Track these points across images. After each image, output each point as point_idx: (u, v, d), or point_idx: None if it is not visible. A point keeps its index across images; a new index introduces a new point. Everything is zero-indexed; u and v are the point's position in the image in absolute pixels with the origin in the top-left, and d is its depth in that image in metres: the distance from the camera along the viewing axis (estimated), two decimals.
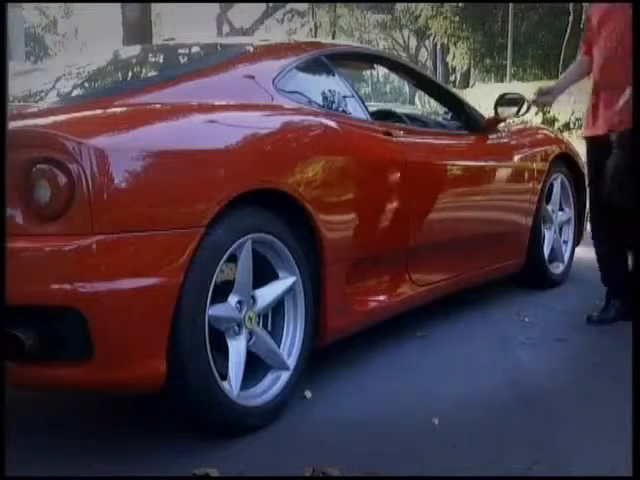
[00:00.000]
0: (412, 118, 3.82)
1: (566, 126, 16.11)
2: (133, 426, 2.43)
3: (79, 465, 2.15)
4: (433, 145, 3.52)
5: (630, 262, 3.51)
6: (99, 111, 2.29)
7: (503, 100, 3.81)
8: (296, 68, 2.95)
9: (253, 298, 2.38)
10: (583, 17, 22.40)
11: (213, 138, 2.36)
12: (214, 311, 2.22)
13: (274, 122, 2.63)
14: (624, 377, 2.32)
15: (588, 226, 4.53)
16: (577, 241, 4.43)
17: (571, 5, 22.03)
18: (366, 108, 3.20)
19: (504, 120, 3.90)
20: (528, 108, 3.81)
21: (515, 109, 3.75)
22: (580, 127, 16.02)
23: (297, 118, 2.74)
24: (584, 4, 22.26)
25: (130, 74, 3.16)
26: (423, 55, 42.03)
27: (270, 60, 2.99)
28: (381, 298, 3.01)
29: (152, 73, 3.21)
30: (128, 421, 2.50)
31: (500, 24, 25.81)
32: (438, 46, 32.74)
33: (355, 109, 3.12)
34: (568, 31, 21.75)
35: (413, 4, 28.75)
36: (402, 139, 3.18)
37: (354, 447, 2.26)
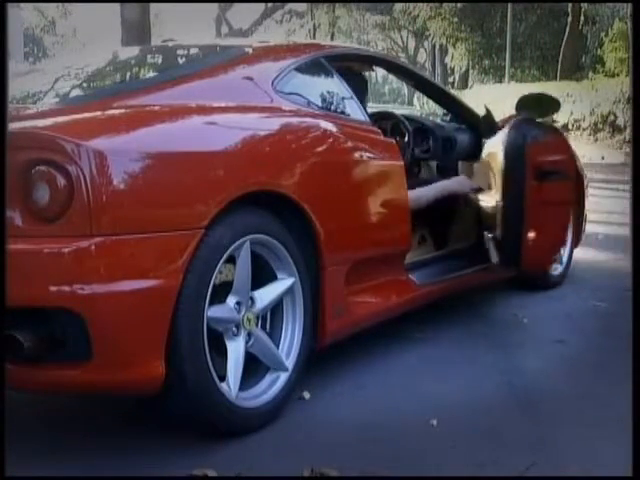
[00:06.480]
0: (411, 119, 3.83)
1: (565, 127, 16.13)
2: (132, 426, 2.43)
3: (79, 465, 2.15)
4: None
5: None
6: (98, 113, 2.30)
7: (528, 100, 3.61)
8: (295, 70, 2.95)
9: (252, 299, 2.38)
10: (582, 18, 22.45)
11: (212, 140, 2.36)
12: (213, 312, 2.22)
13: (273, 124, 2.63)
14: (623, 377, 2.32)
15: (586, 228, 4.55)
16: (576, 243, 4.43)
17: (570, 6, 22.04)
18: (365, 110, 3.20)
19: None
20: (558, 107, 3.62)
21: (545, 109, 3.57)
22: (579, 128, 16.07)
23: (296, 120, 2.75)
24: (582, 5, 22.33)
25: (129, 75, 3.17)
26: (422, 56, 42.08)
27: (269, 62, 2.99)
28: (380, 299, 3.01)
29: (151, 74, 3.21)
30: (127, 421, 2.50)
31: (499, 25, 25.84)
32: (437, 47, 32.77)
33: (354, 111, 3.13)
34: (566, 32, 21.77)
35: (411, 5, 28.76)
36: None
37: (352, 447, 2.26)
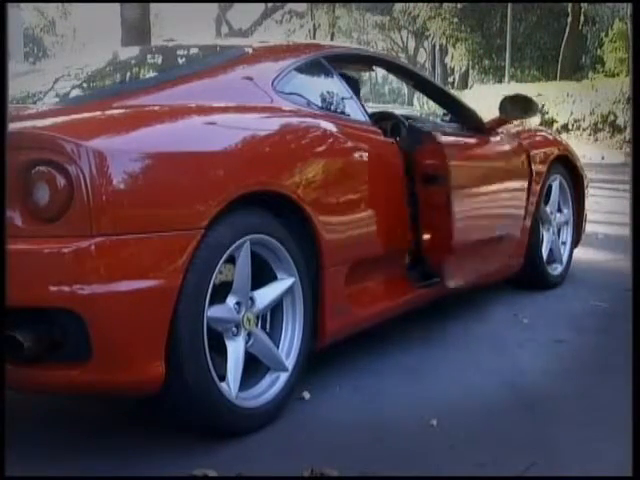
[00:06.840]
0: (411, 119, 3.82)
1: (564, 127, 16.14)
2: (132, 426, 2.43)
3: (79, 465, 2.15)
4: None
5: None
6: (98, 113, 2.30)
7: (509, 101, 3.70)
8: (295, 70, 2.95)
9: (252, 299, 2.38)
10: (582, 18, 22.46)
11: (212, 140, 2.36)
12: (213, 312, 2.22)
13: (273, 124, 2.64)
14: (623, 377, 2.32)
15: (586, 228, 4.55)
16: (576, 242, 4.43)
17: (570, 6, 22.04)
18: (365, 110, 3.20)
19: (510, 121, 3.86)
20: (536, 110, 3.73)
21: (522, 110, 3.67)
22: (579, 128, 16.07)
23: (296, 120, 2.75)
24: (582, 5, 22.34)
25: (129, 75, 3.17)
26: (422, 56, 42.15)
27: (269, 62, 2.99)
28: (380, 299, 3.01)
29: (151, 74, 3.21)
30: (127, 421, 2.50)
31: (499, 25, 25.87)
32: (437, 47, 32.81)
33: (354, 111, 3.13)
34: (566, 32, 21.77)
35: (411, 5, 28.77)
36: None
37: (352, 448, 2.26)
